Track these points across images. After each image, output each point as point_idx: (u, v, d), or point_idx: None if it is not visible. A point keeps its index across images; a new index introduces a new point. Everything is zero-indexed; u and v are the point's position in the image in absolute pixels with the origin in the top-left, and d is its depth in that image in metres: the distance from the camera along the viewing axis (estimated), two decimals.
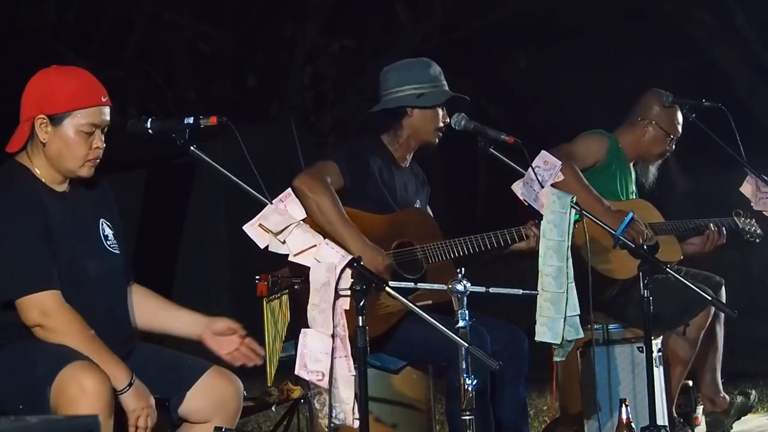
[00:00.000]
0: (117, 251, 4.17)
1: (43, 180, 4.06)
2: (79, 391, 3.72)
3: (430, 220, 5.26)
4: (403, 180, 5.26)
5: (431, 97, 5.18)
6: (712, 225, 6.13)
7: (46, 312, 3.90)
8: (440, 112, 5.20)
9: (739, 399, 6.40)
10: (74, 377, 3.75)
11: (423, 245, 5.05)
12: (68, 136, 4.00)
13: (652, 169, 6.23)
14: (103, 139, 4.06)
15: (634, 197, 6.17)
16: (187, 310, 4.35)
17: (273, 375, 4.82)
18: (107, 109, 4.06)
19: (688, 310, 5.83)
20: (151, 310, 4.31)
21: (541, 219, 4.81)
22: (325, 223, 4.90)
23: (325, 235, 4.81)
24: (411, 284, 4.52)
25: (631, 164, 6.20)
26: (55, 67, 4.11)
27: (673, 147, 6.19)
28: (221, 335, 4.26)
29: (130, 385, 3.88)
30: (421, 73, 5.23)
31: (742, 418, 6.41)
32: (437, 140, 5.25)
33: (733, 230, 6.26)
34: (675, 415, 6.03)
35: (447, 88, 5.25)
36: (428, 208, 5.44)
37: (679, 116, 6.10)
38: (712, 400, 6.31)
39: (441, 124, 5.20)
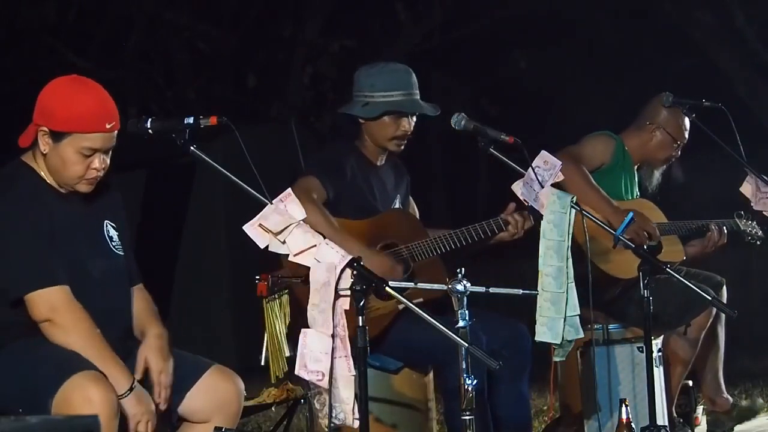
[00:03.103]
0: (121, 252, 4.17)
1: (48, 181, 4.06)
2: (84, 401, 3.72)
3: (412, 219, 5.24)
4: (380, 177, 5.22)
5: (372, 108, 5.07)
6: (713, 226, 6.13)
7: (55, 307, 3.90)
8: (398, 121, 5.07)
9: (744, 402, 6.39)
10: (80, 388, 3.74)
11: (408, 245, 5.04)
12: (66, 154, 3.96)
13: (657, 174, 6.23)
14: (105, 159, 4.01)
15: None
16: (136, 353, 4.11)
17: (277, 374, 4.81)
18: (111, 135, 3.99)
19: (690, 310, 5.83)
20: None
21: (541, 218, 4.81)
22: None
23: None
24: (411, 284, 4.52)
25: (635, 167, 6.20)
26: (72, 80, 4.04)
27: (679, 153, 6.19)
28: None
29: (131, 390, 3.88)
30: (375, 81, 5.10)
31: (745, 422, 6.38)
32: (399, 148, 5.14)
33: (734, 231, 6.26)
34: (675, 415, 6.02)
35: (416, 96, 5.10)
36: (410, 199, 5.41)
37: (687, 122, 6.09)
38: (713, 401, 6.30)
39: (398, 133, 5.09)
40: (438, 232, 5.14)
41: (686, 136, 6.13)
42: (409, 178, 5.40)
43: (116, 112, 4.01)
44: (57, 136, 3.96)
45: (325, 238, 4.60)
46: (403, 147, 5.17)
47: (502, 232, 5.13)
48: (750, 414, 6.35)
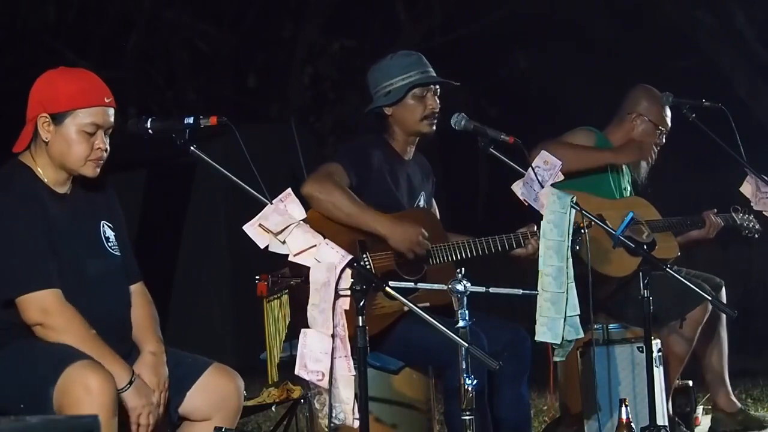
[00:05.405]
0: (118, 253, 4.17)
1: (45, 180, 4.06)
2: (83, 390, 3.73)
3: (435, 221, 5.24)
4: (407, 172, 5.25)
5: (397, 92, 5.15)
6: (708, 215, 6.14)
7: (47, 310, 3.90)
8: (423, 100, 5.14)
9: (753, 412, 6.35)
10: (79, 377, 3.75)
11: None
12: (70, 135, 4.00)
13: (644, 164, 6.23)
14: (106, 140, 4.06)
15: (628, 195, 6.16)
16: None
17: (274, 375, 4.82)
18: (110, 110, 4.05)
19: (685, 303, 5.81)
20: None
21: (541, 219, 4.81)
22: (345, 218, 4.90)
23: (347, 229, 4.84)
24: (411, 284, 4.52)
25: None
26: (61, 68, 4.13)
27: (664, 140, 6.19)
28: None
29: (130, 383, 3.89)
30: (390, 69, 5.19)
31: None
32: (431, 128, 5.19)
33: (731, 226, 6.26)
34: (671, 413, 5.99)
35: (430, 73, 5.17)
36: (433, 200, 5.43)
37: (667, 109, 6.11)
38: (716, 402, 6.28)
39: (426, 112, 5.15)
40: (457, 238, 5.15)
41: (668, 122, 6.13)
42: (435, 179, 5.43)
43: (110, 91, 4.07)
44: (58, 118, 4.00)
45: (349, 213, 4.80)
46: (434, 127, 5.20)
47: (520, 248, 5.13)
48: (758, 425, 6.27)
